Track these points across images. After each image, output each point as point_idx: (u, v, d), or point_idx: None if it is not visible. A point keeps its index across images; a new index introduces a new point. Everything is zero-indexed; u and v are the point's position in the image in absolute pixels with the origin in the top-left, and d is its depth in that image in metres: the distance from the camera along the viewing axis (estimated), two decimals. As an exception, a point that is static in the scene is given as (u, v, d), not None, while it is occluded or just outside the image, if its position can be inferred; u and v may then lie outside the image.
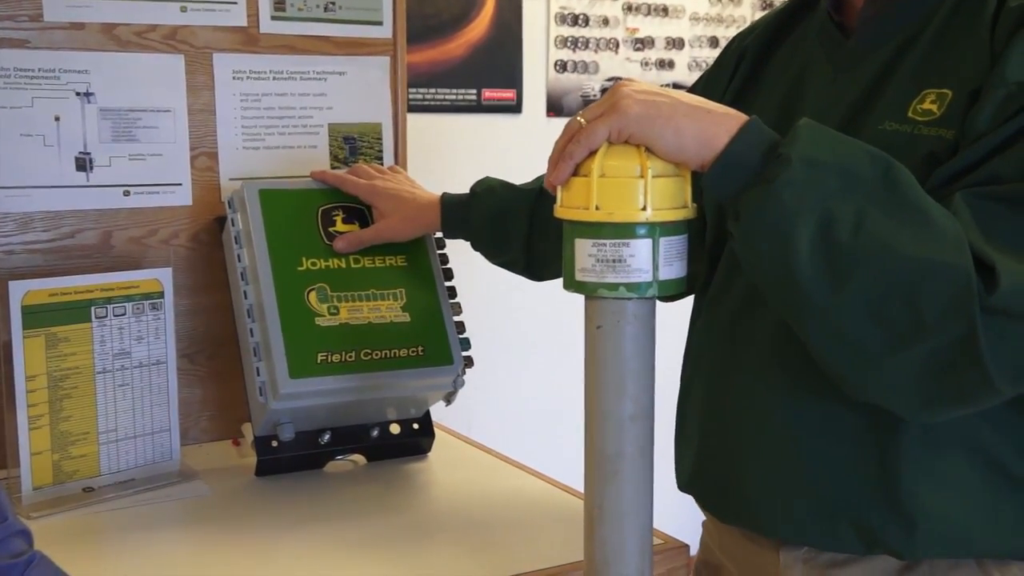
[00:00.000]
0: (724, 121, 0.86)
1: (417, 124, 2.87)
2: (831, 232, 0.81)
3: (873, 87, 0.98)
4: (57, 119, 1.43)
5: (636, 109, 0.85)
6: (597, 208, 0.83)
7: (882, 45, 1.00)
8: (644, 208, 0.83)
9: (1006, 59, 0.87)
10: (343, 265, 1.39)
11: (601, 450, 0.87)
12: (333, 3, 1.61)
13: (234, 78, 1.54)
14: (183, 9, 1.50)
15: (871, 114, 0.97)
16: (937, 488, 0.93)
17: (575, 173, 0.86)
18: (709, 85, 1.22)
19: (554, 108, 3.12)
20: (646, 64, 3.25)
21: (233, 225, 1.39)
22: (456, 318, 1.44)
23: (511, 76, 3.05)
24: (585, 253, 0.84)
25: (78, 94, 1.44)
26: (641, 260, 0.83)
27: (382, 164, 1.66)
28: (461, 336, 1.43)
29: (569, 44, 3.11)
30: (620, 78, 3.18)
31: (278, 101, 1.59)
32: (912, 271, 0.80)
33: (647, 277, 0.83)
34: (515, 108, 3.05)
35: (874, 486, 0.95)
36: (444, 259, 1.48)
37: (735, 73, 1.17)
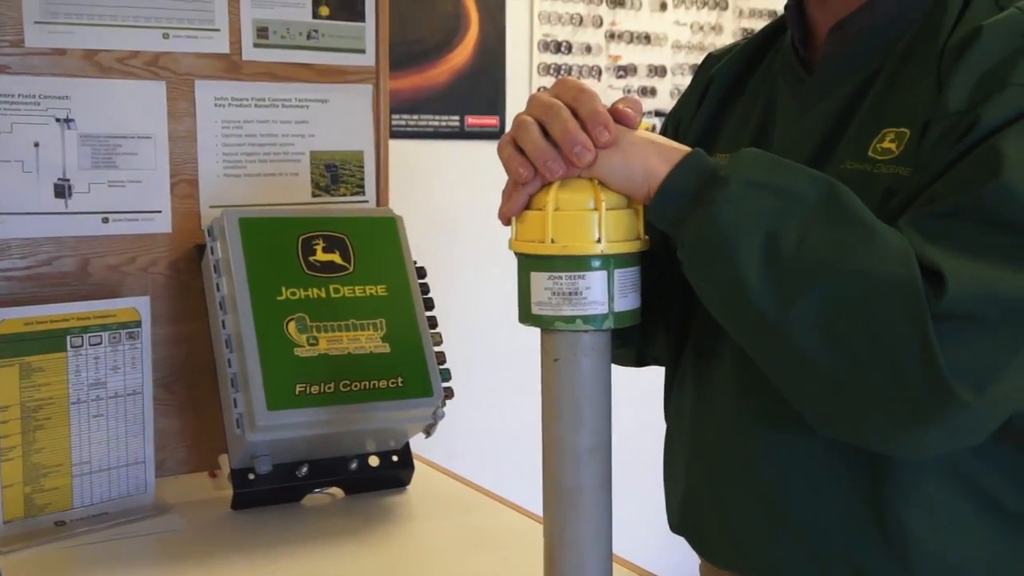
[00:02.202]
0: (667, 152, 0.87)
1: (400, 150, 2.87)
2: (776, 249, 0.81)
3: (837, 125, 0.99)
4: (36, 145, 1.42)
5: None
6: (552, 241, 0.84)
7: (843, 82, 1.01)
8: (599, 240, 0.83)
9: (947, 91, 0.88)
10: (323, 295, 1.38)
11: (559, 483, 0.87)
12: (316, 31, 1.60)
13: (216, 105, 1.54)
14: (165, 36, 1.49)
15: (834, 153, 0.97)
16: (932, 526, 0.92)
17: (529, 206, 0.86)
18: (681, 106, 1.23)
19: (537, 135, 3.12)
20: (628, 91, 3.26)
21: (212, 253, 1.38)
22: (437, 348, 1.43)
23: (494, 102, 3.05)
24: (541, 286, 0.85)
25: (58, 120, 1.43)
26: (597, 292, 0.84)
27: (363, 192, 1.66)
28: (441, 367, 1.42)
29: (552, 71, 3.12)
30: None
31: (260, 128, 1.58)
32: (859, 285, 0.80)
33: (603, 309, 0.84)
34: (498, 134, 3.05)
35: (866, 525, 0.94)
36: (425, 288, 1.47)
37: (703, 99, 1.17)
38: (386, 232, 1.46)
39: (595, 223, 0.84)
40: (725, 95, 1.17)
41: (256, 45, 1.56)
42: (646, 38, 3.26)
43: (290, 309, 1.35)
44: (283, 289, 1.36)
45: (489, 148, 3.26)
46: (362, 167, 1.66)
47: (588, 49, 3.17)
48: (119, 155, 1.47)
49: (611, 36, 3.20)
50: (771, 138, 1.06)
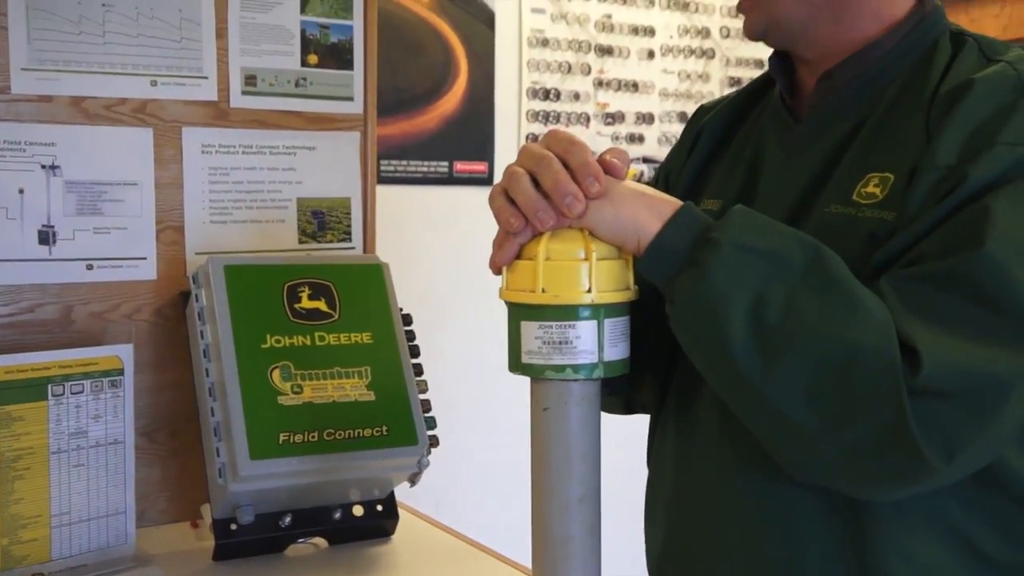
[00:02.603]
0: (659, 206, 0.88)
1: (388, 195, 2.88)
2: (762, 314, 0.82)
3: (822, 171, 1.00)
4: (21, 192, 1.41)
5: None
6: (543, 291, 0.84)
7: (830, 130, 1.02)
8: (589, 290, 0.84)
9: (937, 142, 0.89)
10: (308, 342, 1.37)
11: (549, 533, 0.87)
12: (304, 79, 1.61)
13: (203, 152, 1.54)
14: (153, 83, 1.49)
15: (819, 197, 0.98)
16: (915, 574, 0.92)
17: (519, 256, 0.86)
18: (673, 156, 1.23)
19: (525, 181, 3.13)
20: (616, 138, 3.28)
21: (197, 301, 1.37)
22: (422, 396, 1.42)
23: (483, 149, 3.06)
24: (531, 335, 0.85)
25: (44, 167, 1.43)
26: (587, 342, 0.84)
27: (350, 239, 1.66)
28: (427, 415, 1.41)
29: (541, 118, 3.14)
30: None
31: (247, 175, 1.58)
32: (840, 353, 0.81)
33: (593, 358, 0.84)
34: (487, 180, 3.06)
35: (848, 574, 0.93)
36: (411, 335, 1.46)
37: (693, 148, 1.18)
38: (372, 279, 1.46)
39: (585, 273, 0.84)
40: (714, 145, 1.18)
41: (244, 92, 1.56)
42: (634, 86, 3.29)
43: (275, 357, 1.34)
44: (268, 337, 1.35)
45: (478, 194, 3.31)
46: (349, 214, 1.66)
47: (576, 96, 3.19)
48: (104, 202, 1.47)
49: (599, 84, 3.23)
50: (758, 185, 1.07)
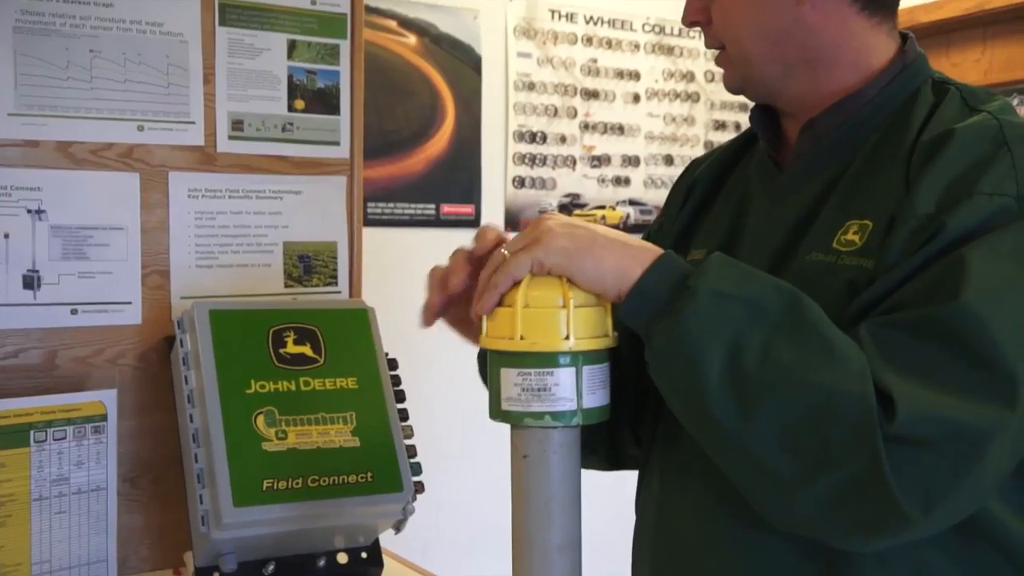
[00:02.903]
0: (639, 254, 0.89)
1: (375, 238, 2.88)
2: (738, 362, 0.83)
3: (804, 219, 1.01)
4: (6, 236, 1.41)
5: (558, 242, 0.88)
6: (522, 338, 0.85)
7: (813, 178, 1.03)
8: (567, 337, 0.85)
9: (916, 191, 0.90)
10: (293, 387, 1.37)
11: None
12: (291, 124, 1.61)
13: (189, 196, 1.54)
14: (140, 128, 1.50)
15: (801, 244, 0.99)
16: None
17: (499, 303, 0.87)
18: (666, 209, 1.25)
19: (512, 223, 3.14)
20: (603, 181, 3.29)
21: (182, 346, 1.36)
22: (408, 441, 1.42)
23: (470, 191, 3.08)
24: (511, 382, 0.86)
25: (29, 211, 1.43)
26: (565, 389, 0.85)
27: (336, 283, 1.66)
28: (412, 460, 1.40)
29: (527, 161, 3.15)
30: (579, 195, 3.23)
31: (233, 219, 1.58)
32: (816, 401, 0.82)
33: (572, 406, 0.85)
34: (473, 223, 3.07)
35: None
36: (396, 380, 1.46)
37: (687, 200, 1.20)
38: (358, 324, 1.46)
39: (563, 320, 0.85)
40: (705, 196, 1.19)
41: (231, 137, 1.57)
42: (620, 129, 3.31)
43: (259, 402, 1.34)
44: (252, 382, 1.34)
45: (465, 236, 3.29)
46: (335, 258, 1.66)
47: (563, 139, 3.21)
48: (90, 246, 1.46)
49: (585, 127, 3.25)
50: (743, 232, 1.08)
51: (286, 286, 1.61)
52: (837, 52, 1.03)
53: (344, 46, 1.66)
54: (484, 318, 0.89)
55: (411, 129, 2.96)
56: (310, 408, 1.36)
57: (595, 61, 3.26)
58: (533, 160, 3.16)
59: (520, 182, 3.15)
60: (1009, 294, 0.84)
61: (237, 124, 1.57)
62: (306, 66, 1.63)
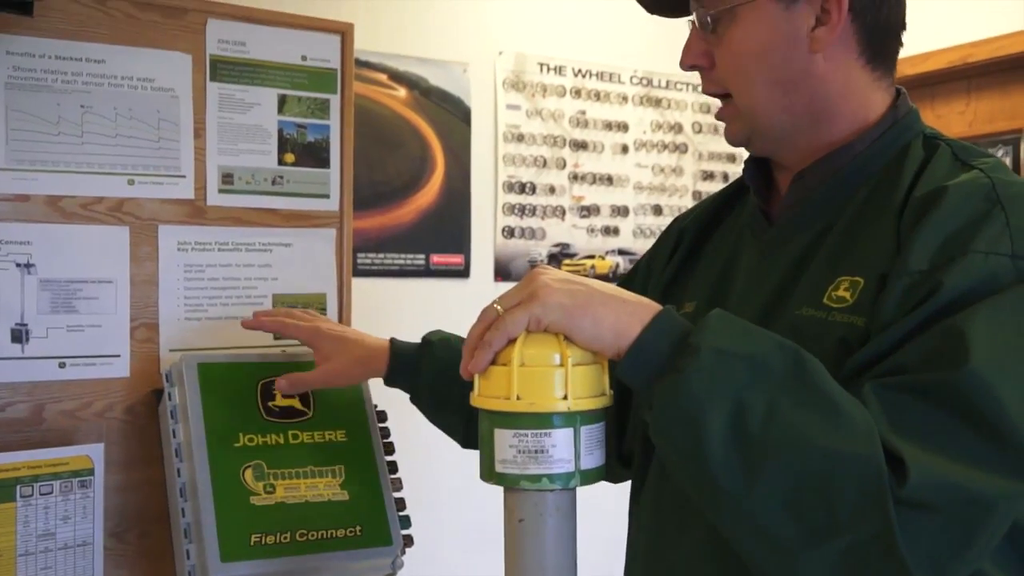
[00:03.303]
0: (638, 311, 0.87)
1: (365, 288, 2.89)
2: (742, 423, 0.81)
3: (793, 272, 1.01)
4: (-5, 290, 1.41)
5: (556, 298, 0.86)
6: (518, 398, 0.82)
7: (802, 231, 1.03)
8: (565, 397, 0.82)
9: (909, 248, 0.90)
10: (281, 441, 1.36)
11: None
12: (281, 177, 1.63)
13: (179, 249, 1.54)
14: (130, 182, 1.50)
15: (790, 298, 0.99)
16: None
17: (493, 362, 0.86)
18: (650, 264, 1.25)
19: (502, 273, 3.16)
20: (592, 230, 3.31)
21: (170, 399, 1.36)
22: (397, 494, 1.41)
23: (459, 241, 3.09)
24: (506, 444, 0.83)
25: (18, 265, 1.43)
26: (563, 450, 0.83)
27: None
28: (401, 513, 1.40)
29: (517, 211, 3.18)
30: (568, 244, 3.24)
31: (223, 272, 1.58)
32: (824, 463, 0.80)
33: (569, 467, 0.83)
34: (463, 273, 3.09)
35: None
36: (386, 432, 1.46)
37: (675, 251, 1.20)
38: (347, 377, 1.45)
39: (560, 379, 0.83)
40: (693, 246, 1.19)
41: (221, 191, 1.58)
42: (608, 179, 3.34)
43: (248, 456, 1.33)
44: (241, 436, 1.34)
45: (455, 286, 3.31)
46: (325, 309, 1.67)
47: (552, 190, 3.23)
48: (79, 299, 1.46)
49: (574, 177, 3.28)
50: (733, 284, 1.08)
51: (276, 338, 1.61)
52: (840, 105, 1.03)
53: (334, 100, 1.67)
54: (477, 376, 0.87)
55: (401, 180, 2.98)
56: (298, 461, 1.36)
57: (584, 113, 3.29)
58: (523, 210, 3.18)
59: (510, 232, 3.16)
60: (1014, 362, 0.83)
61: (227, 177, 1.58)
62: (296, 120, 1.64)
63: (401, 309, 2.96)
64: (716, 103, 1.09)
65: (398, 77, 2.96)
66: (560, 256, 3.25)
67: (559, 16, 3.27)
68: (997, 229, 0.88)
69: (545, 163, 3.22)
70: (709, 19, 1.03)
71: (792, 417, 0.81)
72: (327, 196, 1.67)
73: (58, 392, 1.45)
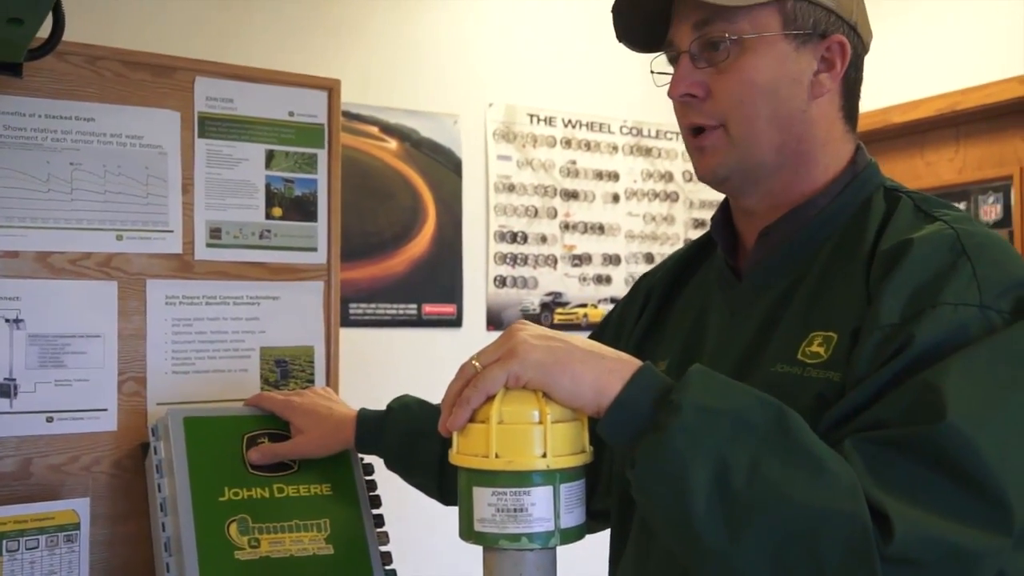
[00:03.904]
0: (618, 367, 0.87)
1: (357, 338, 2.91)
2: (726, 480, 0.81)
3: (765, 328, 1.01)
4: (-17, 345, 1.42)
5: (534, 355, 0.86)
6: (496, 456, 0.82)
7: (771, 287, 1.04)
8: (544, 455, 0.82)
9: (879, 302, 0.90)
10: (266, 495, 1.37)
11: None
12: (269, 231, 1.64)
13: (167, 303, 1.56)
14: (119, 237, 1.52)
15: (764, 355, 0.99)
16: None
17: (471, 419, 0.86)
18: (622, 320, 1.26)
19: (494, 322, 3.17)
20: (584, 279, 3.33)
21: (156, 453, 1.37)
22: (383, 548, 1.41)
23: (451, 291, 3.11)
24: (484, 502, 0.82)
25: (7, 320, 1.44)
26: (542, 508, 0.81)
27: (314, 386, 1.67)
28: (388, 568, 1.40)
29: (508, 260, 3.19)
30: (561, 293, 3.26)
31: (210, 325, 1.59)
32: (809, 520, 0.80)
33: (549, 526, 0.82)
34: (455, 322, 3.10)
35: None
36: (372, 485, 1.46)
37: (643, 310, 1.21)
38: (332, 429, 1.46)
39: (539, 437, 0.82)
40: (662, 303, 1.20)
41: (209, 245, 1.59)
42: (600, 228, 3.36)
43: (232, 510, 1.33)
44: (226, 490, 1.35)
45: (447, 336, 3.31)
46: (312, 362, 1.68)
47: (543, 239, 3.25)
48: (67, 354, 1.48)
49: (566, 226, 3.30)
50: (704, 341, 1.09)
51: (263, 391, 1.62)
52: (820, 152, 1.05)
53: (321, 155, 1.70)
54: (455, 434, 0.87)
55: (393, 231, 3.00)
56: (283, 515, 1.36)
57: (574, 163, 3.33)
58: (514, 260, 3.20)
59: (502, 281, 3.18)
60: (991, 413, 0.84)
61: (215, 232, 1.60)
62: (284, 175, 1.66)
63: (394, 359, 2.97)
64: None
65: (389, 129, 3.00)
66: (552, 305, 3.26)
67: (548, 67, 3.31)
68: (964, 280, 0.90)
69: (536, 213, 3.25)
70: (718, 46, 1.02)
71: (776, 473, 0.81)
72: (315, 249, 1.69)
73: (45, 446, 1.46)
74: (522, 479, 0.81)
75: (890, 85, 3.23)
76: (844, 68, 1.04)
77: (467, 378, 0.88)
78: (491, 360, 0.88)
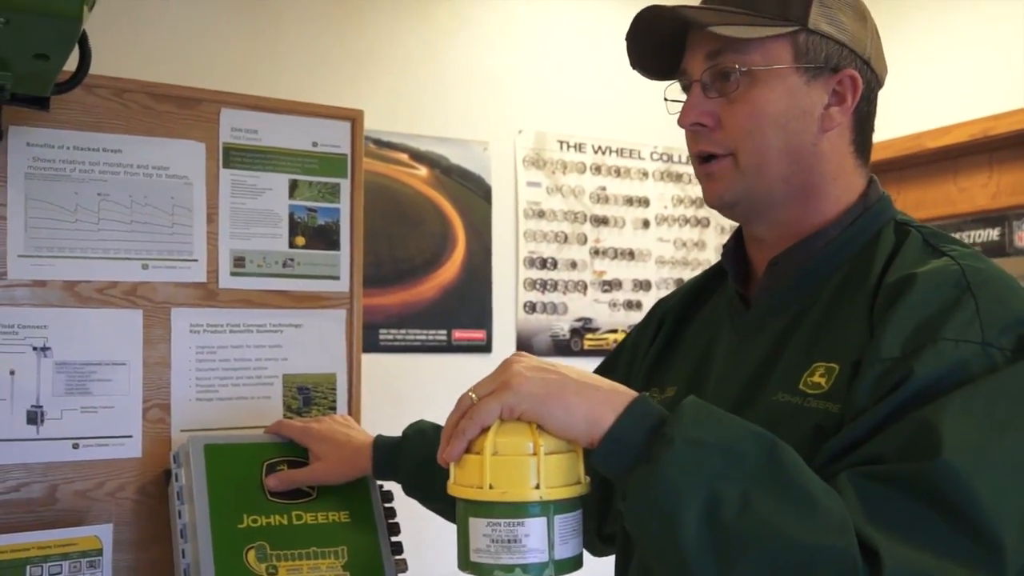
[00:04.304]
0: (611, 399, 0.88)
1: (388, 364, 2.93)
2: (717, 513, 0.81)
3: (770, 356, 1.01)
4: (12, 373, 1.45)
5: (528, 387, 0.87)
6: (491, 487, 0.83)
7: (778, 316, 1.04)
8: (537, 486, 0.83)
9: (881, 335, 0.91)
10: (284, 521, 1.38)
11: None
12: (292, 260, 1.67)
13: (191, 331, 1.58)
14: (145, 266, 1.55)
15: (767, 383, 0.99)
16: None
17: (468, 450, 0.87)
18: (636, 345, 1.26)
19: (524, 348, 3.17)
20: (614, 305, 3.33)
21: (176, 480, 1.39)
22: None
23: (481, 317, 3.12)
24: (479, 533, 0.83)
25: (35, 348, 1.47)
26: (536, 540, 0.82)
27: (335, 413, 1.68)
28: (405, 594, 1.40)
29: (538, 286, 3.20)
30: (591, 319, 3.26)
31: (234, 353, 1.62)
32: (799, 555, 0.80)
33: (543, 557, 0.82)
34: (485, 348, 3.11)
35: None
36: (391, 512, 1.47)
37: (656, 335, 1.21)
38: (352, 456, 1.47)
39: (533, 468, 0.83)
40: (675, 328, 1.21)
41: (233, 273, 1.62)
42: (630, 254, 3.36)
43: (250, 537, 1.35)
44: (244, 517, 1.36)
45: (477, 361, 3.32)
46: (335, 389, 1.69)
47: (573, 265, 3.26)
48: (93, 381, 1.50)
49: (596, 252, 3.30)
50: (712, 368, 1.10)
51: (285, 417, 1.64)
52: (830, 185, 1.05)
53: (344, 184, 1.72)
54: (452, 464, 0.89)
55: (423, 257, 3.02)
56: (301, 543, 1.37)
57: (604, 189, 3.33)
58: (544, 285, 3.21)
59: (531, 307, 3.19)
60: (988, 453, 0.84)
61: (239, 261, 1.62)
62: (307, 204, 1.68)
63: (423, 384, 2.98)
64: None
65: (419, 156, 3.02)
66: (582, 331, 3.27)
67: (578, 94, 3.32)
68: (967, 316, 0.89)
69: (566, 238, 3.25)
70: (729, 77, 1.03)
71: (767, 508, 0.81)
72: (337, 277, 1.71)
73: (71, 472, 1.48)
74: (516, 510, 0.83)
75: (923, 110, 3.21)
76: (855, 102, 1.04)
77: (464, 409, 0.90)
78: (486, 392, 0.89)
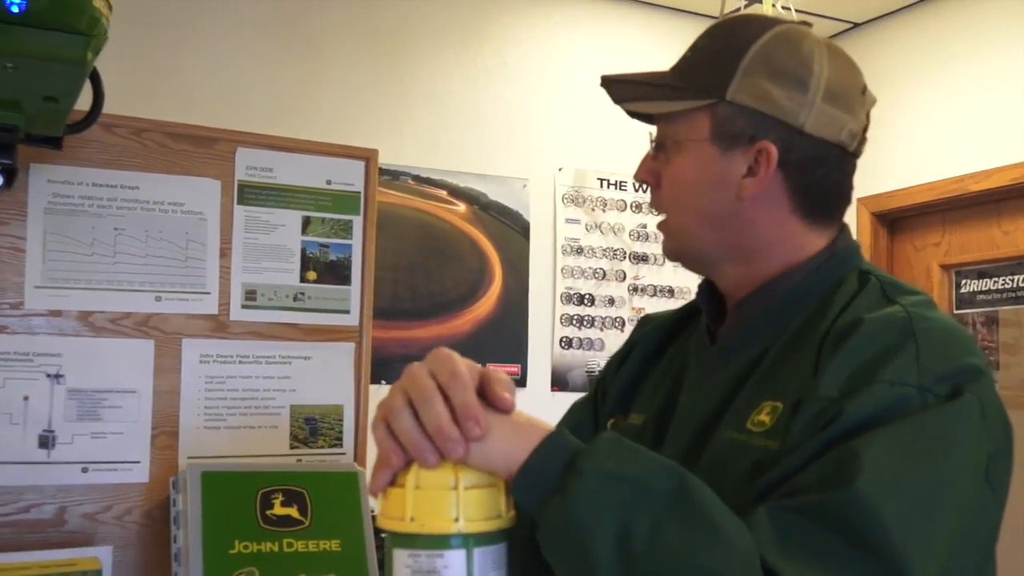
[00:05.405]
0: (528, 433, 0.89)
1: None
2: (628, 544, 0.83)
3: (727, 395, 1.03)
4: (26, 399, 1.52)
5: None
6: (412, 519, 0.85)
7: (739, 355, 1.05)
8: (457, 519, 0.85)
9: (821, 375, 0.92)
10: (276, 549, 1.42)
11: None
12: (303, 293, 1.72)
13: (201, 361, 1.64)
14: (158, 298, 1.61)
15: (721, 421, 1.01)
16: None
17: (393, 482, 0.89)
18: (610, 362, 1.28)
19: (559, 383, 3.19)
20: (652, 342, 3.33)
21: (175, 505, 1.44)
22: (391, 605, 1.44)
23: (517, 351, 3.14)
24: (402, 564, 0.85)
25: (49, 375, 1.54)
26: (456, 571, 0.84)
27: (341, 445, 1.72)
28: (393, 625, 1.43)
29: (575, 322, 3.22)
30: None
31: (242, 383, 1.67)
32: None
33: None
34: (520, 383, 3.13)
35: None
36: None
37: (625, 360, 1.23)
38: (347, 487, 1.51)
39: (453, 502, 0.85)
40: (646, 359, 1.22)
41: (244, 306, 1.67)
42: (670, 291, 3.36)
43: (241, 563, 1.39)
44: (236, 543, 1.40)
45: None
46: (341, 420, 1.73)
47: (611, 301, 3.27)
48: (104, 408, 1.56)
49: (634, 289, 3.31)
50: (679, 403, 1.11)
51: (291, 447, 1.68)
52: (771, 247, 1.07)
53: (357, 221, 1.77)
54: (379, 496, 0.91)
55: (459, 291, 3.06)
56: (291, 569, 1.41)
57: (644, 227, 3.34)
58: (581, 321, 3.23)
59: (568, 343, 3.20)
60: (900, 484, 0.85)
61: (250, 294, 1.68)
62: (320, 240, 1.74)
63: (457, 417, 3.01)
64: None
65: (458, 193, 3.07)
66: (620, 367, 3.27)
67: (618, 132, 3.34)
68: (906, 361, 0.90)
69: (604, 275, 3.27)
70: (664, 144, 1.09)
71: (675, 538, 0.83)
72: (347, 311, 1.75)
73: (80, 495, 1.54)
74: (436, 542, 0.84)
75: (966, 154, 3.17)
76: (768, 175, 1.05)
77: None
78: None
